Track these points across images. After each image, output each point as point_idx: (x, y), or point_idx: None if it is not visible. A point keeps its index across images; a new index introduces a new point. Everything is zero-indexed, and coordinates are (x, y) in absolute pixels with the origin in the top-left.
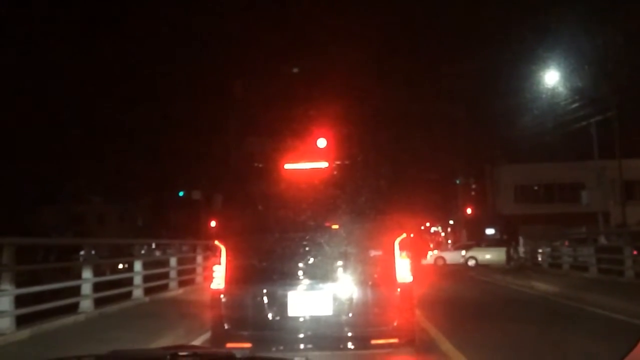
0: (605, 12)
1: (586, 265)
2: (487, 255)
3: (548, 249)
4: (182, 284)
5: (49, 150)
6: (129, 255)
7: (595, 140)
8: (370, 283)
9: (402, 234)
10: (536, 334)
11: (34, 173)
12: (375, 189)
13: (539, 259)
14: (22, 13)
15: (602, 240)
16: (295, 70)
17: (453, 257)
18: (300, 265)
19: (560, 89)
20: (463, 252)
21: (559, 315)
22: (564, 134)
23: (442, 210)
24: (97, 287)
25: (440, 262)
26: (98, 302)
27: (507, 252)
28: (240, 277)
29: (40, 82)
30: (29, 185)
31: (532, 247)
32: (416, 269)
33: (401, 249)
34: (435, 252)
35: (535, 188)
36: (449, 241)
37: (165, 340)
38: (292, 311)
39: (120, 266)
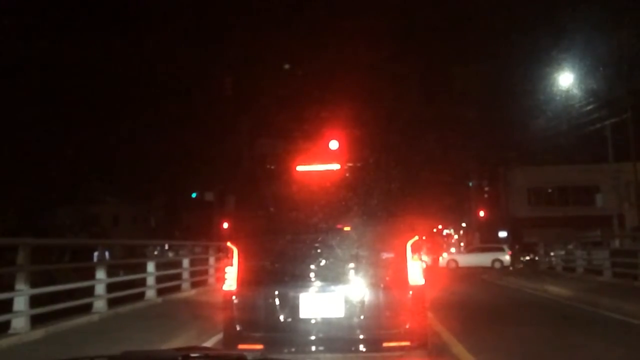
0: (620, 13)
1: (600, 269)
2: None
3: (562, 252)
4: (194, 285)
5: (65, 151)
6: (142, 256)
7: (610, 142)
8: (382, 285)
9: (414, 237)
10: (549, 338)
11: (50, 174)
12: (387, 191)
13: (553, 262)
14: (41, 20)
15: (617, 243)
16: (287, 66)
17: (466, 260)
18: (312, 267)
19: (575, 90)
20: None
21: (572, 319)
22: (578, 136)
23: (454, 213)
24: (110, 287)
25: (453, 265)
26: (111, 303)
27: (512, 255)
28: (252, 279)
29: (56, 84)
30: (45, 186)
31: (545, 250)
32: (430, 271)
33: (413, 251)
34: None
35: (549, 191)
36: (462, 244)
37: (178, 341)
38: (303, 313)
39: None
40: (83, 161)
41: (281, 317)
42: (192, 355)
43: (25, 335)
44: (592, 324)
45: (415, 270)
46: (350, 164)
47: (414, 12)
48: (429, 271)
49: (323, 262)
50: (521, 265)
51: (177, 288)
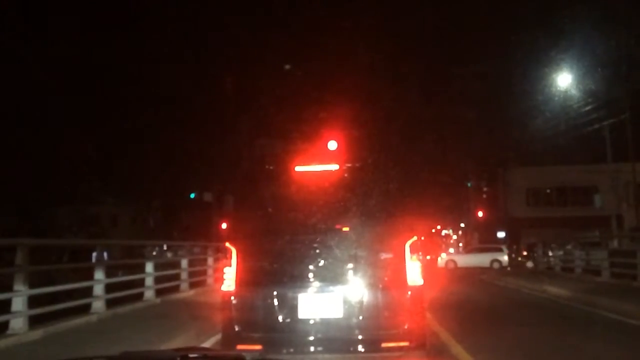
0: (618, 14)
1: (599, 269)
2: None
3: (560, 253)
4: (193, 285)
5: (64, 152)
6: (140, 257)
7: (608, 143)
8: (380, 286)
9: (412, 237)
10: (549, 339)
11: (49, 174)
12: (385, 192)
13: (551, 262)
14: (37, 19)
15: (615, 243)
16: (287, 67)
17: (465, 260)
18: (311, 267)
19: (574, 91)
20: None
21: (571, 319)
22: (577, 136)
23: (453, 213)
24: (109, 288)
25: (451, 266)
26: (110, 303)
27: (510, 255)
28: (251, 279)
29: (54, 84)
30: (44, 186)
31: (543, 251)
32: (428, 271)
33: (412, 251)
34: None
35: (548, 191)
36: (460, 244)
37: (177, 342)
38: (302, 314)
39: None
40: (82, 161)
41: (280, 318)
42: (191, 355)
43: (23, 336)
44: (591, 324)
45: (414, 271)
46: (349, 165)
47: (414, 12)
48: (428, 271)
49: (322, 263)
50: (532, 265)
51: (176, 288)
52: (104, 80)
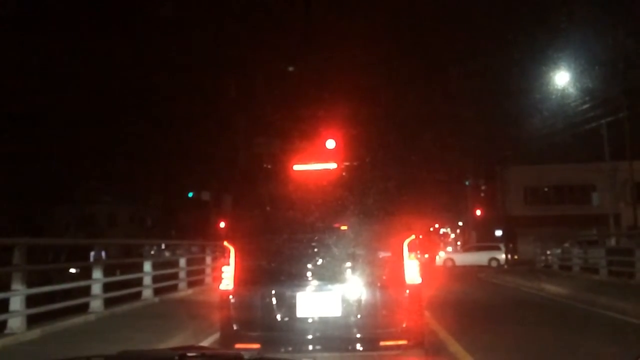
0: (616, 11)
1: (596, 268)
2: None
3: (558, 251)
4: (191, 284)
5: (61, 151)
6: (138, 256)
7: (606, 141)
8: (379, 284)
9: (410, 235)
10: (546, 337)
11: (47, 174)
12: (383, 190)
13: (549, 260)
14: (37, 18)
15: (612, 242)
16: (291, 69)
17: (463, 258)
18: (309, 266)
19: (571, 89)
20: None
21: (569, 317)
22: (574, 135)
23: (451, 212)
24: (107, 287)
25: (449, 264)
26: (108, 302)
27: (506, 253)
28: (249, 278)
29: (52, 84)
30: (42, 185)
31: (541, 249)
32: (426, 270)
33: (410, 250)
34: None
35: (546, 189)
36: (458, 243)
37: (175, 341)
38: (300, 312)
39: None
40: (80, 161)
41: (278, 317)
42: (189, 354)
43: (21, 335)
44: (589, 322)
45: (412, 269)
46: (347, 163)
47: (411, 11)
48: (426, 270)
49: (320, 261)
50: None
51: (174, 288)
52: (102, 79)
